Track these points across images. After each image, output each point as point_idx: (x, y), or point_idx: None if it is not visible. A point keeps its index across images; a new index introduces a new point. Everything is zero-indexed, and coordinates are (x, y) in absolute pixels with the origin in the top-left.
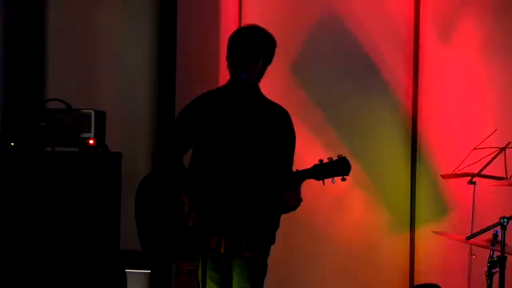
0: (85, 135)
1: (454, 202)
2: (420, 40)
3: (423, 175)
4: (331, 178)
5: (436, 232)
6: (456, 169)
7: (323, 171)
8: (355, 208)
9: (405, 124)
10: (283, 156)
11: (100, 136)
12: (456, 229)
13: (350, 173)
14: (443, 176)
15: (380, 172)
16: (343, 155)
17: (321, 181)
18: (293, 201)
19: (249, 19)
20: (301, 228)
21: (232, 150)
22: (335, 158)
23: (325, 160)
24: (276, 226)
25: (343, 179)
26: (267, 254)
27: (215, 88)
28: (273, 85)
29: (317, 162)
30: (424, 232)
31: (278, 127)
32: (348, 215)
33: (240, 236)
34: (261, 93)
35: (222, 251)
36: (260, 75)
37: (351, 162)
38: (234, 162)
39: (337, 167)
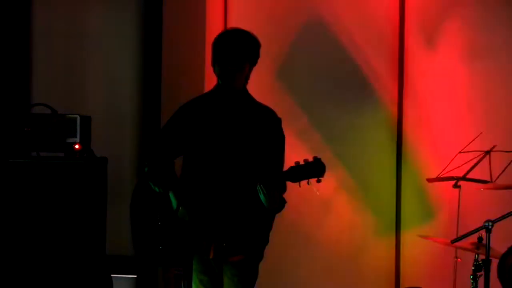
0: (71, 140)
1: (439, 205)
2: (405, 44)
3: (409, 178)
4: (307, 180)
5: (422, 236)
6: (441, 172)
7: (298, 173)
8: (341, 212)
9: (391, 128)
10: (271, 159)
11: (85, 141)
12: (441, 233)
13: (325, 174)
14: (429, 180)
15: (365, 176)
16: (318, 157)
17: (297, 183)
18: (271, 204)
19: (234, 23)
20: (287, 232)
21: (220, 155)
22: (310, 159)
23: (301, 163)
24: (268, 228)
25: (318, 181)
26: (260, 257)
27: (202, 94)
28: (258, 89)
29: (293, 165)
30: (409, 236)
31: (266, 130)
32: (334, 218)
33: (226, 241)
34: (249, 96)
35: (211, 256)
36: (247, 77)
37: (328, 165)
38: (221, 168)
39: (312, 169)
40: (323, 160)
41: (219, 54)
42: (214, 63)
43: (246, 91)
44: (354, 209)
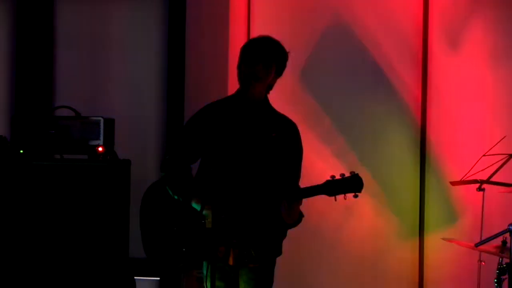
0: (94, 142)
1: (463, 208)
2: (428, 47)
3: (432, 182)
4: (343, 195)
5: (445, 239)
6: (465, 176)
7: (335, 187)
8: (365, 215)
9: (414, 131)
10: (289, 169)
11: (109, 143)
12: (465, 236)
13: (363, 190)
14: (452, 183)
15: (389, 179)
16: (356, 172)
17: (333, 197)
18: (291, 218)
19: (257, 26)
20: (310, 235)
21: (239, 161)
22: (347, 174)
23: (337, 176)
24: (283, 236)
25: (355, 196)
26: (274, 264)
27: (223, 98)
28: (282, 91)
29: (329, 178)
30: (433, 239)
31: (286, 140)
32: (357, 222)
33: (249, 248)
34: (270, 105)
35: (230, 262)
36: (270, 87)
37: (351, 168)
38: (241, 174)
39: (349, 184)
40: (346, 163)
41: (247, 56)
42: (240, 66)
43: (267, 100)
44: (377, 212)
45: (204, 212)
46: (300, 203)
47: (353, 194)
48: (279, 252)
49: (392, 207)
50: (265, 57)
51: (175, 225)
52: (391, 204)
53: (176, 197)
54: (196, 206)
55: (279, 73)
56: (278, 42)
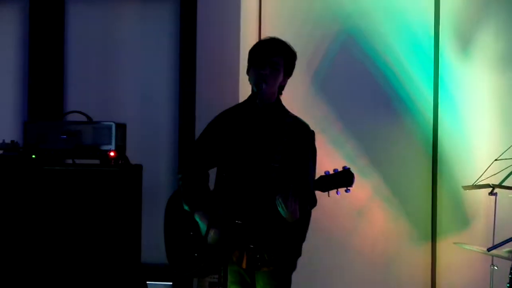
0: (106, 147)
1: (475, 213)
2: (440, 50)
3: (444, 186)
4: (336, 190)
5: (458, 244)
6: (477, 180)
7: (327, 182)
8: (376, 219)
9: (426, 135)
10: (299, 170)
11: (120, 148)
12: (478, 241)
13: (354, 183)
14: (464, 187)
15: (401, 184)
16: (347, 166)
17: (326, 192)
18: (289, 216)
19: (268, 29)
20: (322, 239)
21: (249, 167)
22: (340, 169)
23: (331, 172)
24: (301, 239)
25: (347, 191)
26: (292, 267)
27: (237, 104)
28: (294, 95)
29: (323, 174)
30: (445, 244)
31: (297, 142)
32: (369, 226)
33: (261, 251)
34: (282, 107)
35: (243, 266)
36: (281, 88)
37: (363, 173)
38: (251, 179)
39: (341, 178)
40: (357, 167)
41: (254, 57)
42: (249, 69)
43: (280, 102)
44: (389, 217)
45: (201, 226)
46: (295, 201)
47: (345, 188)
48: (297, 254)
49: (404, 212)
50: (272, 58)
51: (191, 230)
52: (403, 208)
53: (186, 207)
54: (198, 220)
55: (288, 73)
56: (285, 42)
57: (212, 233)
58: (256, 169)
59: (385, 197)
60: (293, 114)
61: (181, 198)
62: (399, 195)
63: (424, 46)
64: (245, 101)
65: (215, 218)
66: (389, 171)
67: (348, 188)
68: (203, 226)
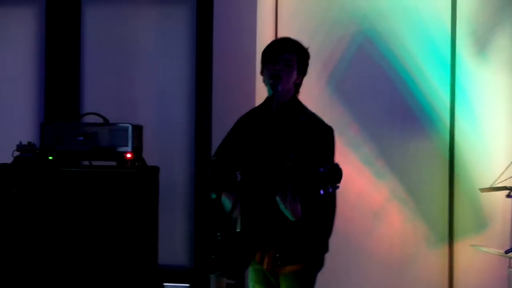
0: (123, 149)
1: (492, 215)
2: (456, 53)
3: (461, 188)
4: (326, 187)
5: (475, 246)
6: (494, 182)
7: (316, 180)
8: (393, 222)
9: (443, 136)
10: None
11: (137, 150)
12: (495, 243)
13: (341, 180)
14: (482, 190)
15: (417, 185)
16: (336, 163)
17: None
18: (290, 215)
19: (285, 30)
20: (337, 241)
21: (265, 165)
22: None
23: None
24: (325, 235)
25: (337, 187)
26: (318, 265)
27: (256, 106)
28: (309, 96)
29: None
30: (462, 246)
31: (311, 140)
32: (385, 228)
33: (280, 250)
34: (299, 105)
35: (265, 266)
36: (297, 86)
37: (379, 174)
38: (267, 178)
39: (329, 176)
40: (374, 169)
41: (267, 57)
42: (263, 69)
43: (295, 100)
44: (406, 218)
45: (233, 214)
46: (294, 199)
47: (334, 186)
48: (321, 250)
49: (421, 214)
50: (285, 55)
51: (218, 232)
52: (419, 210)
53: (213, 195)
54: (225, 201)
55: (302, 71)
56: (297, 41)
57: (238, 210)
58: (270, 168)
59: (401, 199)
60: (309, 111)
61: (208, 190)
62: (416, 197)
63: (441, 48)
64: (262, 103)
65: (242, 195)
66: (405, 173)
67: (337, 185)
68: (228, 204)
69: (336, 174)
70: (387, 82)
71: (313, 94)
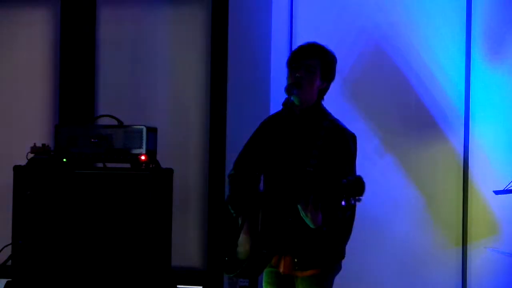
0: (137, 151)
1: (507, 217)
2: (471, 56)
3: (475, 190)
4: (348, 199)
5: (489, 248)
6: (508, 184)
7: (338, 192)
8: (406, 223)
9: (457, 139)
10: (334, 177)
11: (151, 152)
12: (510, 246)
13: (364, 193)
14: (496, 192)
15: (431, 187)
16: (359, 175)
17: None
18: (311, 223)
19: (300, 33)
20: (351, 243)
21: (286, 171)
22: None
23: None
24: (342, 241)
25: (359, 200)
26: (334, 270)
27: (278, 111)
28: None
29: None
30: (476, 249)
31: (333, 147)
32: (398, 231)
33: (297, 255)
34: (323, 111)
35: (281, 270)
36: (322, 92)
37: (391, 177)
38: (288, 184)
39: (352, 188)
40: (387, 170)
41: (290, 62)
42: (287, 74)
43: (319, 106)
44: (419, 221)
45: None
46: (315, 208)
47: (356, 198)
48: (338, 257)
49: (434, 216)
50: (307, 61)
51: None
52: (433, 212)
53: (232, 211)
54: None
55: (326, 77)
56: (321, 46)
57: (243, 239)
58: (292, 174)
59: (414, 200)
60: (332, 117)
61: (227, 200)
62: (429, 198)
63: (455, 50)
64: (283, 108)
65: (253, 226)
66: (419, 174)
67: (359, 198)
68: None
69: (358, 186)
70: (402, 87)
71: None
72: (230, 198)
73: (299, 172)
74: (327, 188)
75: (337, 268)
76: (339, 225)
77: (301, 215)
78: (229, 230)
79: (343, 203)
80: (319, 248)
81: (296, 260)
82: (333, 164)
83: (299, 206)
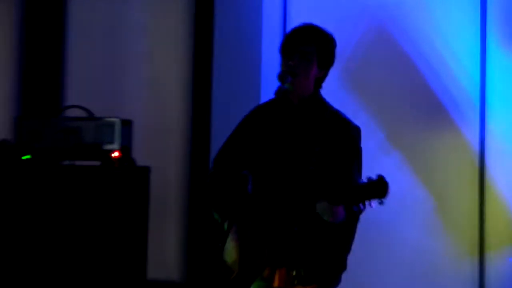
0: (109, 146)
1: None
2: (487, 40)
3: (493, 194)
4: (368, 201)
5: (510, 258)
6: None
7: (358, 193)
8: (414, 228)
9: (472, 132)
10: (342, 177)
11: (125, 148)
12: None
13: (388, 194)
14: None
15: (442, 187)
16: (381, 175)
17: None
18: (332, 218)
19: (294, 17)
20: (359, 250)
21: (283, 170)
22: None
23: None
24: (345, 250)
25: (381, 202)
26: (335, 283)
27: (271, 99)
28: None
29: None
30: (495, 258)
31: (337, 142)
32: (406, 236)
33: (298, 267)
34: (322, 101)
35: (276, 284)
36: (319, 80)
37: (404, 179)
38: (286, 184)
39: (373, 189)
40: (397, 171)
41: (283, 47)
42: (280, 62)
43: (317, 96)
44: (429, 226)
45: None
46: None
47: (378, 201)
48: (340, 268)
49: (447, 220)
50: (302, 47)
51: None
52: (445, 216)
53: (216, 216)
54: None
55: (323, 64)
56: (318, 29)
57: (230, 247)
58: (290, 173)
59: (429, 206)
60: (334, 109)
61: (210, 204)
62: (444, 204)
63: (470, 35)
64: (274, 98)
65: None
66: (429, 173)
67: (382, 200)
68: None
69: (381, 187)
70: (410, 79)
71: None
72: (214, 202)
73: (299, 171)
74: (343, 190)
75: (337, 282)
76: (344, 234)
77: (320, 213)
78: (213, 237)
79: (361, 206)
80: (320, 260)
81: (295, 273)
82: (340, 162)
83: (318, 206)
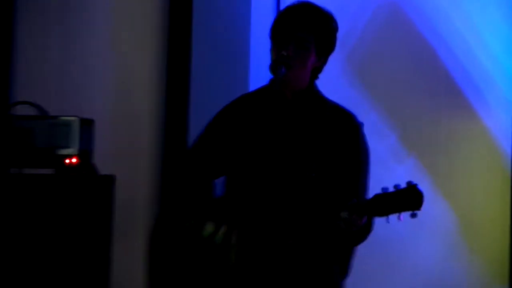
0: (65, 151)
1: None
2: None
3: None
4: (398, 214)
5: None
6: None
7: (386, 203)
8: (432, 248)
9: (504, 133)
10: (347, 179)
11: (85, 152)
12: None
13: (422, 206)
14: None
15: (467, 201)
16: (413, 182)
17: (385, 217)
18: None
19: None
20: (371, 268)
21: (277, 176)
22: (403, 185)
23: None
24: (346, 260)
25: (413, 215)
26: None
27: (257, 89)
28: (322, 82)
29: (379, 192)
30: None
31: (340, 142)
32: (422, 257)
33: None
34: (318, 95)
35: None
36: (316, 70)
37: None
38: (280, 193)
39: (404, 199)
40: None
41: (274, 32)
42: (271, 48)
43: (314, 88)
44: (450, 247)
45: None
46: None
47: (410, 213)
48: (342, 276)
49: (471, 241)
50: (298, 33)
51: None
52: (469, 236)
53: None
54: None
55: (323, 52)
56: (318, 9)
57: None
58: (284, 179)
59: (444, 219)
60: (333, 103)
61: (170, 220)
62: (465, 217)
63: (501, 18)
64: (266, 86)
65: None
66: (451, 184)
67: (415, 212)
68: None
69: (415, 197)
70: (425, 72)
71: (327, 82)
72: (181, 212)
73: (296, 177)
74: (373, 199)
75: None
76: (351, 253)
77: (342, 221)
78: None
79: (387, 219)
80: (317, 277)
81: None
82: (343, 166)
83: (343, 215)
